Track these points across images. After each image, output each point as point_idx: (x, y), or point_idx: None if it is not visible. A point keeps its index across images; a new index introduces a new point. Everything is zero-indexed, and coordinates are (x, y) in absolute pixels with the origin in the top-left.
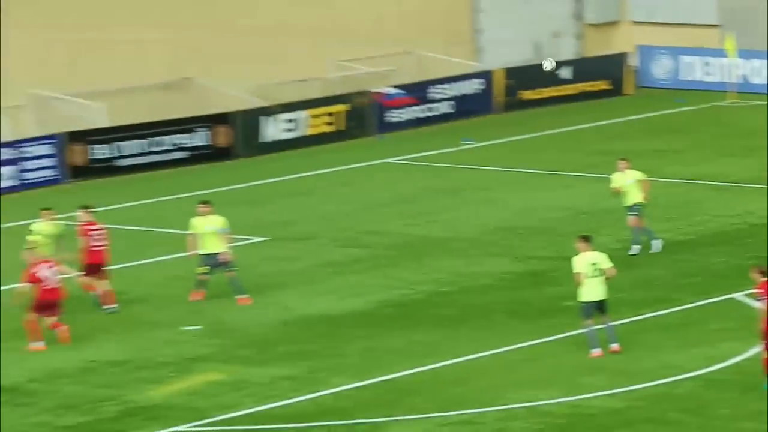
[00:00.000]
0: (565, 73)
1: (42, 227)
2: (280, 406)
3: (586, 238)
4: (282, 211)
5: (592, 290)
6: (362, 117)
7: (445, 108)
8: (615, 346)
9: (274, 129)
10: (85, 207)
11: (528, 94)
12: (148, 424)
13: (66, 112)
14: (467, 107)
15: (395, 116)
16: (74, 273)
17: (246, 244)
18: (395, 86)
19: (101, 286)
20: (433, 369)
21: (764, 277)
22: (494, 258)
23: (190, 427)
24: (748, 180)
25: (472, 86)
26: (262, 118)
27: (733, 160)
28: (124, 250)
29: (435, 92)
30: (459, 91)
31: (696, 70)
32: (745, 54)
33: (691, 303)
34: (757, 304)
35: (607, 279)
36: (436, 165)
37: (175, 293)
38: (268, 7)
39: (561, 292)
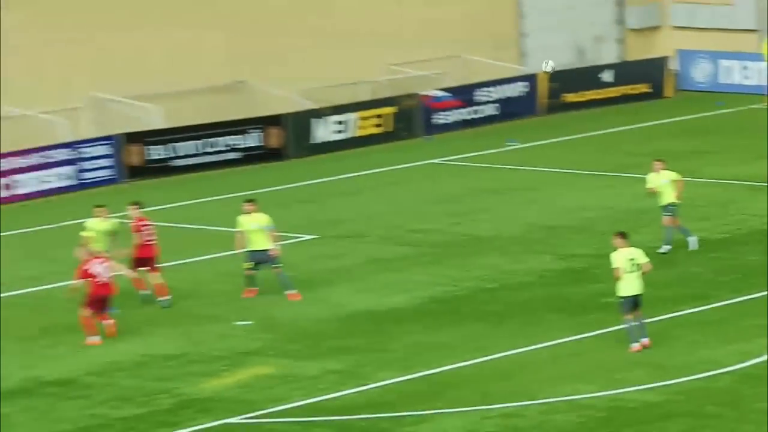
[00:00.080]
0: (607, 76)
1: (95, 224)
2: (327, 399)
3: (623, 235)
4: (331, 210)
5: (629, 285)
6: (410, 119)
7: (490, 110)
8: (645, 341)
9: (324, 130)
10: (135, 203)
11: (571, 97)
12: (201, 416)
13: (123, 114)
14: (512, 109)
15: (442, 118)
16: (125, 269)
17: (296, 242)
18: (442, 89)
19: (153, 279)
20: (476, 363)
21: None
22: (536, 255)
23: (241, 419)
24: None
25: (517, 89)
26: (312, 120)
27: None
28: (179, 247)
29: (481, 95)
30: (504, 93)
31: (734, 74)
32: None
33: (727, 300)
34: None
35: (643, 273)
36: (481, 165)
37: (227, 289)
38: (320, 13)
39: (601, 289)
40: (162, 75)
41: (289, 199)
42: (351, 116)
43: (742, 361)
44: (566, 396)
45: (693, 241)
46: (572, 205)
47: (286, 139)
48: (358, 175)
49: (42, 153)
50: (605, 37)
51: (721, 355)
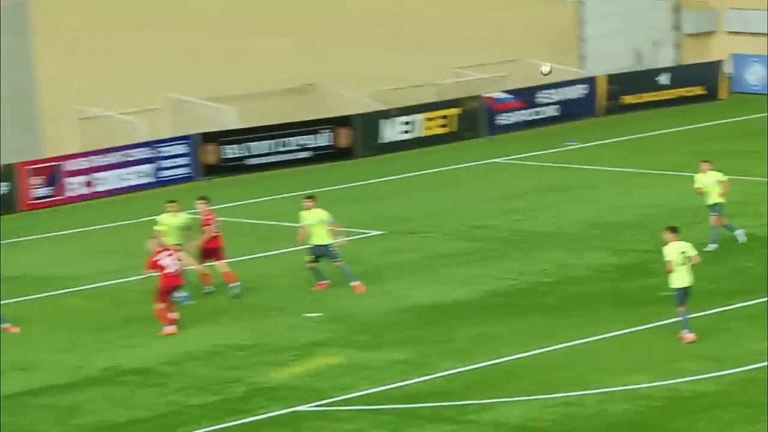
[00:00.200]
0: (664, 79)
1: (167, 219)
2: (394, 388)
3: (673, 229)
4: (398, 207)
5: (681, 277)
6: (474, 120)
7: (551, 111)
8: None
9: (391, 131)
10: (203, 198)
11: (629, 99)
12: (272, 404)
13: (200, 115)
14: (572, 111)
15: (504, 119)
16: (193, 262)
17: (363, 237)
18: (505, 91)
19: (220, 268)
20: (537, 354)
21: None
22: (595, 251)
23: (310, 407)
24: None
25: (577, 91)
26: (380, 121)
27: None
28: (251, 243)
29: (542, 97)
30: (564, 95)
31: None
32: None
33: None
34: None
35: (692, 266)
36: (542, 164)
37: (297, 283)
38: (388, 19)
39: (657, 283)
40: (237, 78)
41: (357, 196)
42: (417, 117)
43: None
44: (623, 386)
45: (740, 234)
46: (629, 203)
47: (355, 138)
48: (424, 174)
49: (122, 152)
50: (662, 42)
51: None
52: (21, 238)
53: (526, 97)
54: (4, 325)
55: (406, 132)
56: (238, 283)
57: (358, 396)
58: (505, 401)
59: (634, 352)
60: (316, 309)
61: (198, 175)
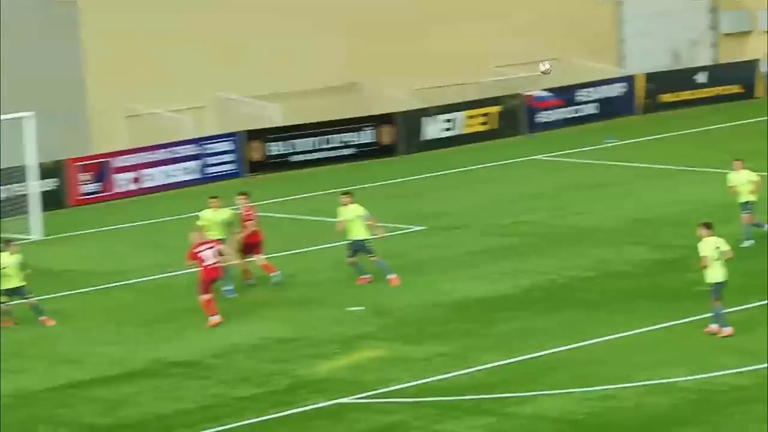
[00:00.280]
0: (701, 78)
1: (208, 215)
2: (435, 381)
3: (707, 225)
4: (439, 203)
5: (717, 272)
6: (514, 117)
7: (590, 110)
8: (715, 327)
9: (433, 128)
10: (243, 194)
11: (667, 97)
12: (315, 396)
13: (245, 113)
14: (611, 109)
15: (544, 117)
16: (235, 257)
17: (405, 233)
18: (545, 90)
19: (260, 261)
20: (576, 348)
21: None
22: (633, 246)
23: (353, 399)
24: None
25: (616, 90)
26: (423, 119)
27: None
28: (295, 238)
29: (581, 95)
30: (603, 94)
31: None
32: None
33: None
34: None
35: (726, 260)
36: (581, 161)
37: (340, 277)
38: (431, 18)
39: (694, 279)
40: (282, 76)
41: (399, 192)
42: (458, 115)
43: None
44: (661, 379)
45: None
46: (667, 199)
47: (397, 136)
48: (464, 171)
49: (169, 149)
50: (699, 42)
51: None
52: (69, 233)
53: (566, 95)
54: (41, 318)
55: (448, 129)
56: (278, 273)
57: (400, 388)
58: (545, 394)
59: (671, 346)
60: (359, 303)
61: (243, 172)
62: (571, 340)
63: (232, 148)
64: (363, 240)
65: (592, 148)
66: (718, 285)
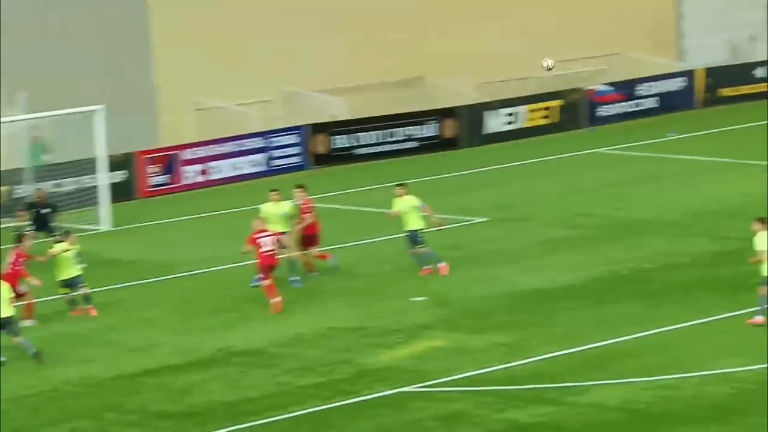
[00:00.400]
0: (760, 72)
1: (269, 208)
2: (496, 370)
3: (762, 220)
4: (501, 195)
5: None
6: (575, 111)
7: (650, 104)
8: (760, 319)
9: (495, 122)
10: (300, 187)
11: (726, 92)
12: (378, 385)
13: (311, 106)
14: (671, 103)
15: (605, 111)
16: (294, 249)
17: (468, 224)
18: (606, 84)
19: (314, 252)
20: (636, 338)
21: None
22: (693, 238)
23: (415, 388)
24: None
25: (676, 84)
26: (485, 112)
27: None
28: (359, 229)
29: (641, 90)
30: (663, 88)
31: None
32: None
33: None
34: None
35: None
36: (642, 155)
37: (403, 267)
38: (492, 13)
39: (752, 270)
40: (347, 70)
41: (461, 184)
42: (520, 109)
43: None
44: (719, 369)
45: None
46: (726, 192)
47: (460, 129)
48: (526, 163)
49: (236, 142)
50: (758, 37)
51: None
52: (138, 225)
53: (626, 89)
54: (87, 306)
55: (510, 123)
56: (333, 256)
57: (462, 378)
58: (605, 384)
59: (729, 337)
60: (421, 293)
61: (308, 165)
62: (632, 331)
63: (298, 141)
64: (417, 230)
65: (652, 141)
66: None
